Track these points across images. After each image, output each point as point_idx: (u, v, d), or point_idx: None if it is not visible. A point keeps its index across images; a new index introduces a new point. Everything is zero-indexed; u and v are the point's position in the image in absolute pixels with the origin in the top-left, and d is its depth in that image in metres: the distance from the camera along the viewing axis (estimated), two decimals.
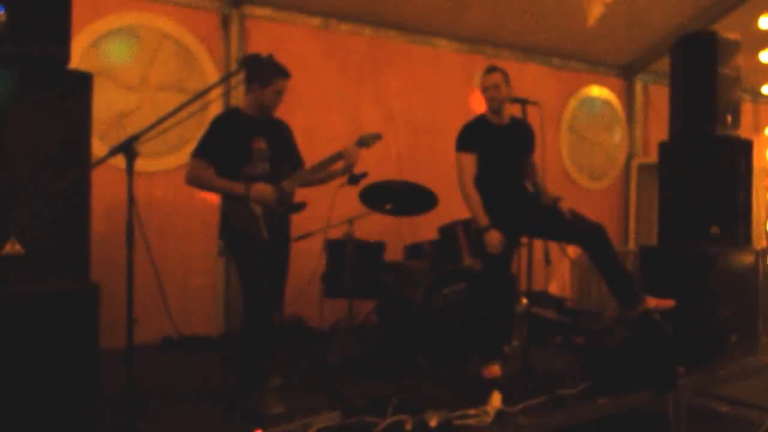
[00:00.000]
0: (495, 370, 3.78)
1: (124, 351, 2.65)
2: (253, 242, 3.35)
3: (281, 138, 3.61)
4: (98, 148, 4.13)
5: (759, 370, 4.23)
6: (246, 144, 3.41)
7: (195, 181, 3.41)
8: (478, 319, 3.98)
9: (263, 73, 3.38)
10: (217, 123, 3.44)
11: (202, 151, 3.39)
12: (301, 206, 3.58)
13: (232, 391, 3.39)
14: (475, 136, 3.97)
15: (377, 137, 3.68)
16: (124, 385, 2.63)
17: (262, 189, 3.36)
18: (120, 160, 2.74)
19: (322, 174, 3.63)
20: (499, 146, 3.97)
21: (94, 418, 2.69)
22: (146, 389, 3.18)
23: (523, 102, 3.89)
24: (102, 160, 2.70)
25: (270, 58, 3.08)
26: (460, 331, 4.16)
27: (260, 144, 3.44)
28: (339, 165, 3.61)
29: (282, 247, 3.58)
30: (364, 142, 3.63)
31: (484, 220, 3.80)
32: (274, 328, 3.51)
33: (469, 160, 3.90)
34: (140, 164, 2.79)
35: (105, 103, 4.72)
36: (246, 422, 2.85)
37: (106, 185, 3.74)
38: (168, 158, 5.18)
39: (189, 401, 3.44)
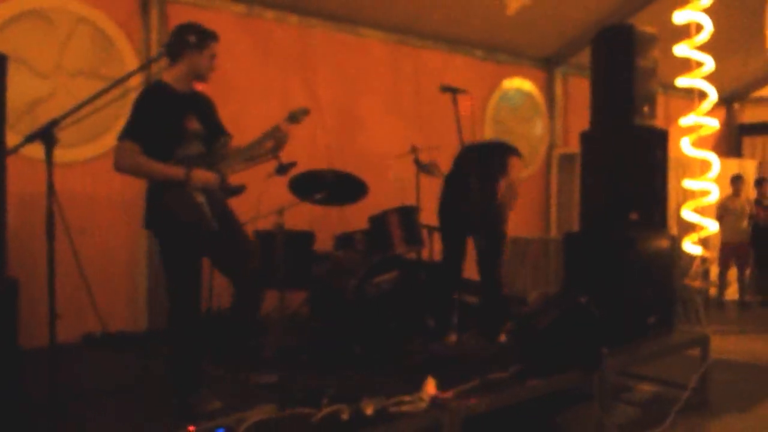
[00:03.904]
0: (453, 337, 4.34)
1: (44, 350, 2.51)
2: (197, 234, 3.11)
3: (210, 114, 3.40)
4: (9, 138, 3.89)
5: (675, 349, 4.44)
6: (179, 123, 3.15)
7: (127, 166, 3.07)
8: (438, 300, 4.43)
9: (197, 37, 3.18)
10: (145, 100, 3.13)
11: (131, 133, 3.05)
12: (240, 189, 3.36)
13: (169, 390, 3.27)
14: None
15: (305, 112, 3.51)
16: (46, 386, 2.49)
17: (204, 174, 3.11)
18: (34, 150, 2.58)
19: (256, 153, 3.45)
20: None
21: (15, 423, 2.54)
22: (71, 390, 3.03)
23: (454, 91, 3.92)
24: (18, 147, 2.54)
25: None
26: (397, 318, 4.19)
27: (193, 123, 3.20)
28: (269, 144, 3.44)
29: (233, 233, 3.34)
30: (294, 117, 3.46)
31: None
32: (201, 324, 3.35)
33: None
34: (55, 154, 2.58)
35: (15, 91, 4.40)
36: (180, 420, 2.76)
37: (19, 177, 3.54)
38: (84, 148, 4.96)
39: (118, 400, 3.30)
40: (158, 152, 3.07)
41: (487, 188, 4.33)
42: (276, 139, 3.40)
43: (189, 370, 3.14)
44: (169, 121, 3.12)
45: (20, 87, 4.59)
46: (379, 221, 4.60)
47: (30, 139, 2.47)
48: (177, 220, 3.07)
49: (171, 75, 3.22)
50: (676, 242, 4.93)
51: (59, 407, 2.48)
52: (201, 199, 3.10)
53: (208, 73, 3.29)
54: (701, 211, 6.82)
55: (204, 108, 3.36)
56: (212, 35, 3.24)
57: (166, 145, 3.10)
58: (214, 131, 3.37)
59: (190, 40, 3.16)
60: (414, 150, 5.02)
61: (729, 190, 8.22)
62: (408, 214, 4.60)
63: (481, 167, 4.32)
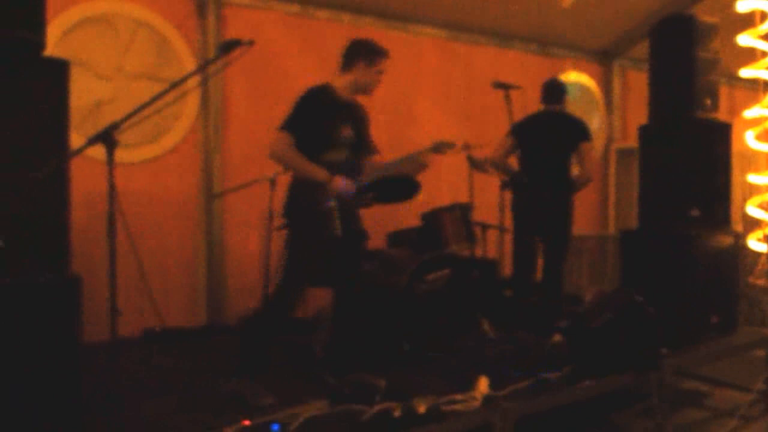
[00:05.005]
0: (557, 338, 4.16)
1: (106, 344, 2.60)
2: (321, 236, 3.25)
3: (363, 126, 3.52)
4: (73, 139, 4.04)
5: (738, 350, 4.28)
6: (335, 129, 3.32)
7: (280, 155, 3.28)
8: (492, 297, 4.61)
9: (370, 52, 3.36)
10: (310, 99, 3.32)
11: (290, 125, 3.26)
12: (370, 203, 3.48)
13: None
14: None
15: (450, 146, 3.52)
16: (108, 379, 2.59)
17: (344, 182, 3.26)
18: (97, 151, 2.69)
19: (392, 173, 3.54)
20: None
21: (78, 415, 2.64)
22: (129, 382, 3.14)
23: (507, 87, 3.88)
24: (81, 150, 2.64)
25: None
26: (450, 316, 4.17)
27: (347, 131, 3.35)
28: (407, 167, 3.52)
29: (355, 242, 3.50)
30: (438, 148, 3.48)
31: None
32: (288, 321, 3.48)
33: None
34: (117, 155, 2.69)
35: (79, 93, 4.59)
36: (235, 413, 2.82)
37: (82, 177, 3.67)
38: (144, 149, 5.11)
39: (173, 393, 3.40)
40: (310, 150, 3.25)
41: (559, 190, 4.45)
42: (418, 164, 3.47)
43: (256, 358, 3.26)
44: (327, 124, 3.29)
45: (84, 90, 4.77)
46: (431, 219, 4.59)
47: (92, 141, 2.57)
48: (309, 217, 3.25)
49: (339, 82, 3.41)
50: (740, 239, 4.75)
51: (117, 400, 2.57)
52: (333, 204, 3.22)
53: (372, 88, 3.47)
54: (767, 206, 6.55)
55: (359, 119, 3.50)
56: (383, 52, 3.42)
57: (319, 145, 3.28)
58: (364, 143, 3.52)
59: (362, 54, 3.37)
60: (467, 147, 4.97)
61: None
62: (461, 212, 4.58)
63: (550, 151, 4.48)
